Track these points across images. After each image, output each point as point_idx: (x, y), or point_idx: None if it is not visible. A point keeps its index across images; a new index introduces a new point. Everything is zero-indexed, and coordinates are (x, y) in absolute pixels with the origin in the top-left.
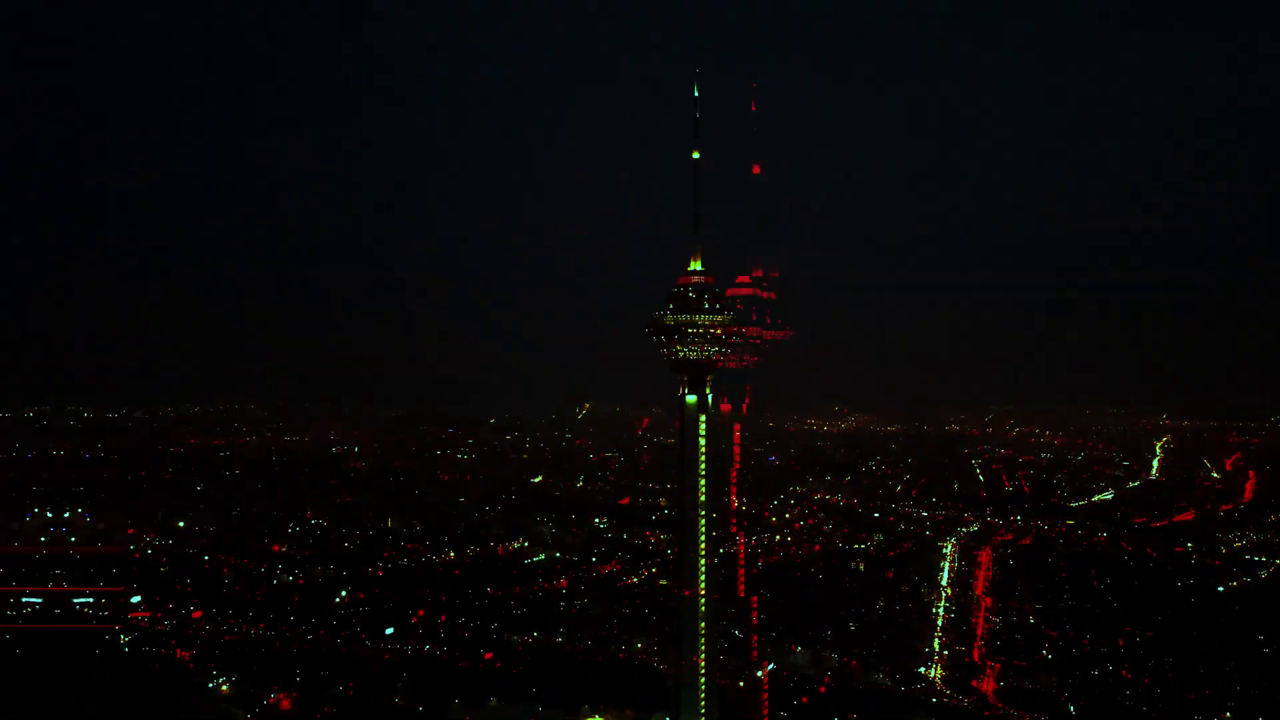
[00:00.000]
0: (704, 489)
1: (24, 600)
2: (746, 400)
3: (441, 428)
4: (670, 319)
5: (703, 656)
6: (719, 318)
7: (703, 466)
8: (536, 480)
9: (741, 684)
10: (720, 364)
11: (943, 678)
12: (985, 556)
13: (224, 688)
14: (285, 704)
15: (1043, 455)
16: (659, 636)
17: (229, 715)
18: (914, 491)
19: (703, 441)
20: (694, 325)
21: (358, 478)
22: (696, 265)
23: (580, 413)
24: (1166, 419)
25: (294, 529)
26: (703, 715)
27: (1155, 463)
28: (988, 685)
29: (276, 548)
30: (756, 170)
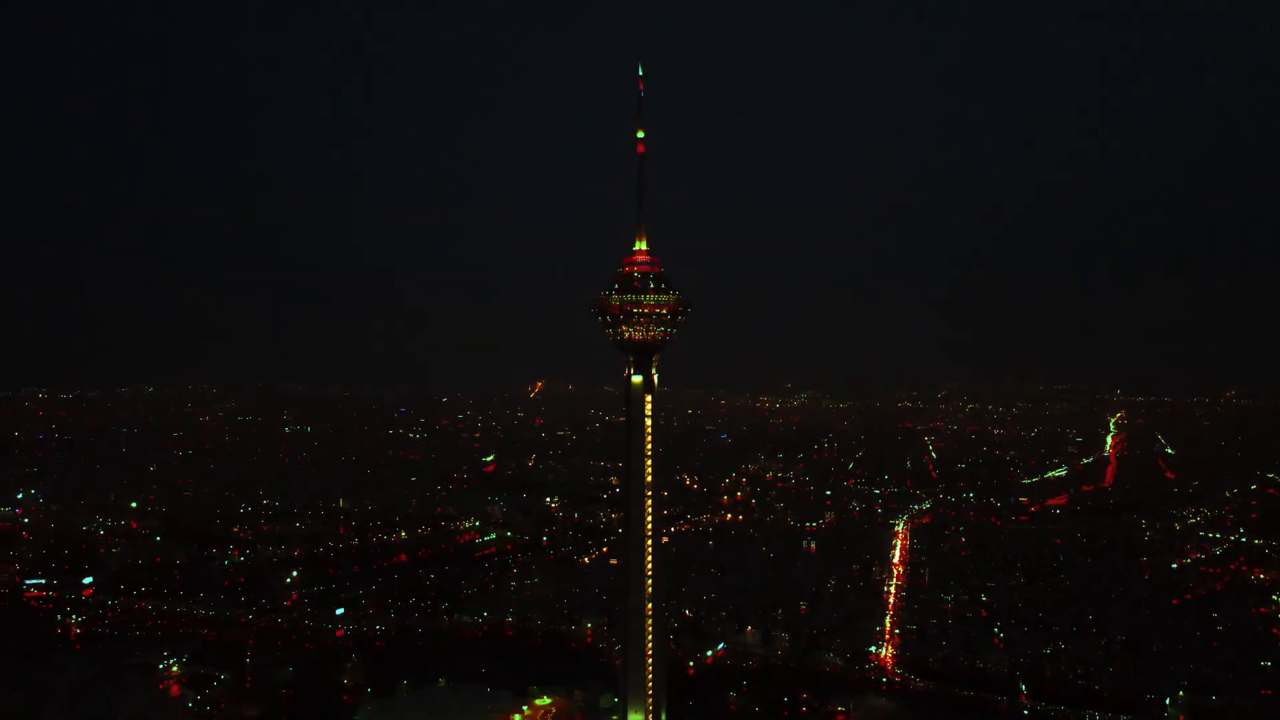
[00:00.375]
0: (650, 470)
1: None
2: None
3: (394, 407)
4: (615, 300)
5: (650, 637)
6: (664, 298)
7: (649, 447)
8: (489, 459)
9: (691, 664)
10: (666, 344)
11: (893, 657)
12: (937, 535)
13: (174, 669)
14: (239, 684)
15: (995, 432)
16: (609, 617)
17: (178, 697)
18: (865, 469)
19: (649, 422)
20: (639, 306)
21: (310, 457)
22: (641, 245)
23: (532, 391)
24: (1120, 394)
25: (246, 509)
26: (649, 696)
27: (1109, 439)
28: (937, 665)
29: (231, 528)
30: (641, 150)
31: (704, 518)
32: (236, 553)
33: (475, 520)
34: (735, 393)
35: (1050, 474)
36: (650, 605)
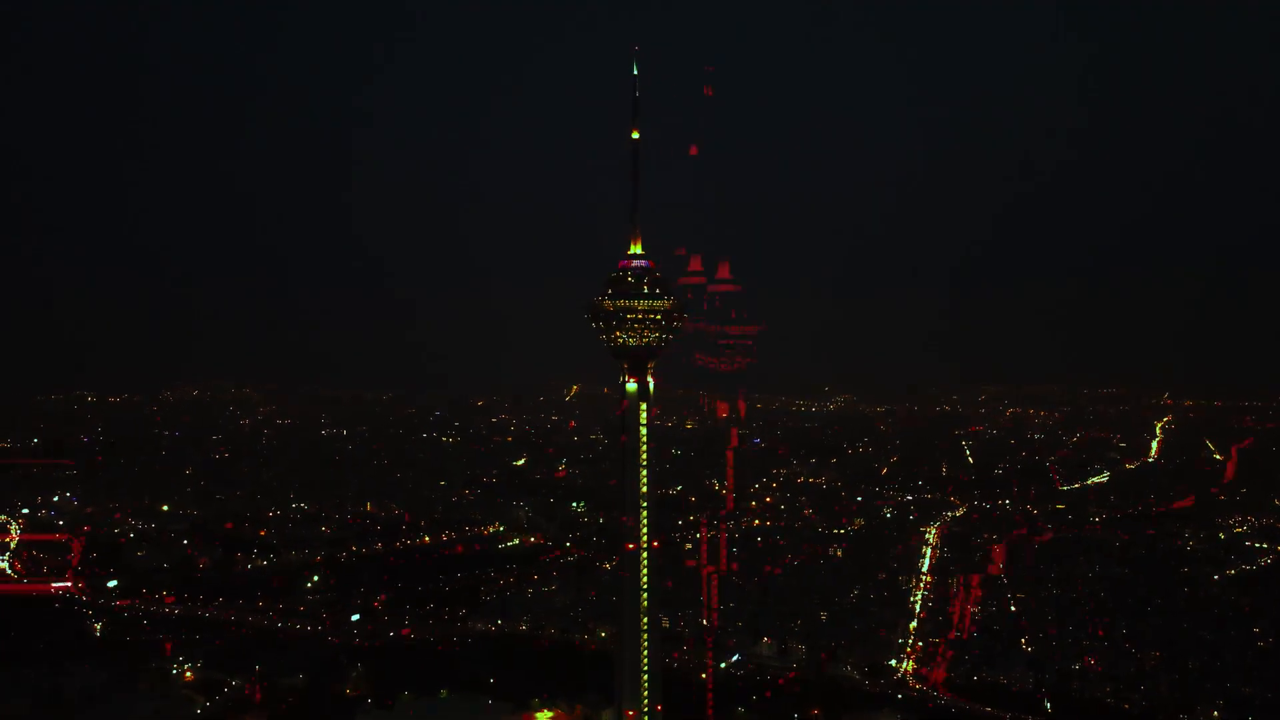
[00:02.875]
0: (645, 479)
1: None
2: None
3: (429, 411)
4: (609, 304)
5: (645, 649)
6: (660, 303)
7: (644, 456)
8: (519, 463)
9: (704, 675)
10: (662, 351)
11: (914, 671)
12: (969, 543)
13: (188, 673)
14: (246, 691)
15: (1035, 437)
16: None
17: (188, 702)
18: (899, 474)
19: (644, 430)
20: (633, 311)
21: (343, 461)
22: (636, 249)
23: (568, 395)
24: (1168, 398)
25: (275, 513)
26: (645, 709)
27: (1155, 444)
28: (960, 679)
29: (258, 532)
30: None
31: (730, 524)
32: (260, 557)
33: (500, 525)
34: (771, 395)
35: (1092, 480)
36: (645, 618)
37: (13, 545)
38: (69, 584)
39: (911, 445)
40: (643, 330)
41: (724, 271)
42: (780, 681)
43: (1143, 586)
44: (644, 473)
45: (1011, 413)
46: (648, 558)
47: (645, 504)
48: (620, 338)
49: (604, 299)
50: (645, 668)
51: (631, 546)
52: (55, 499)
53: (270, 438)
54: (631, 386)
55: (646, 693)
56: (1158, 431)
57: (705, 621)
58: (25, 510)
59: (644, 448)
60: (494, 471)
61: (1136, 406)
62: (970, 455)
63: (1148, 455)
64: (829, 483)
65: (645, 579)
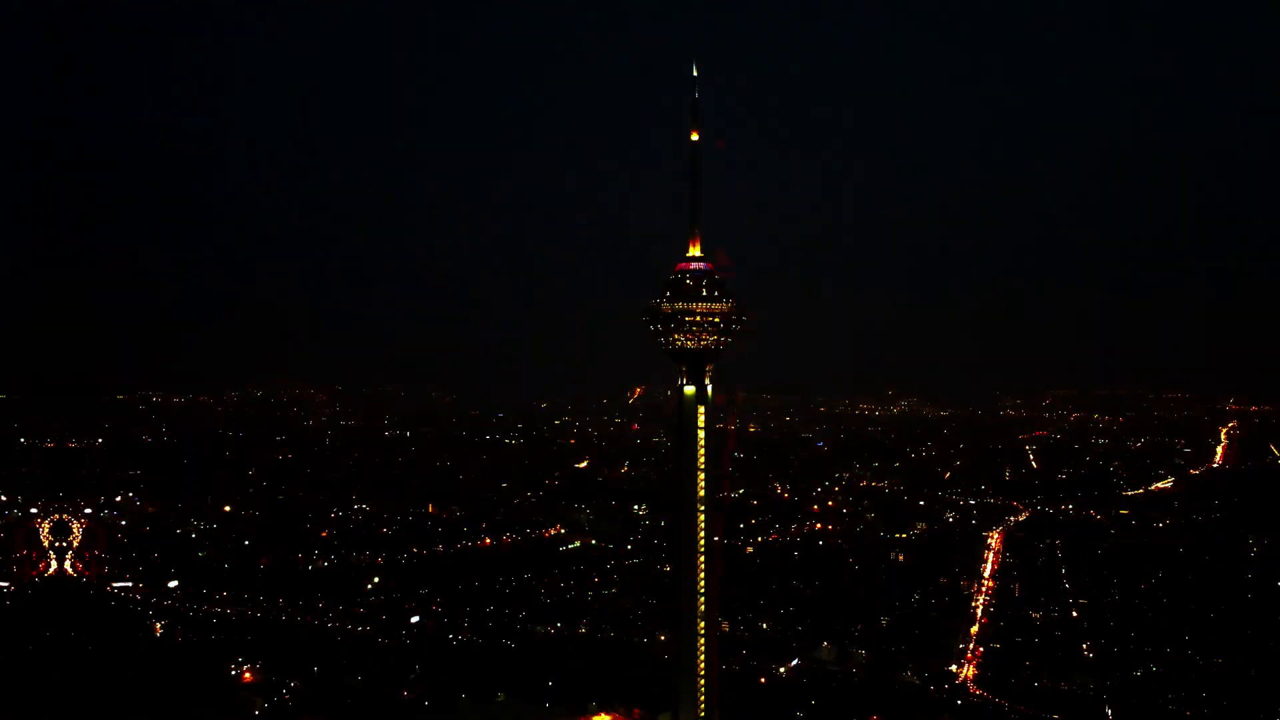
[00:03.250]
0: (704, 484)
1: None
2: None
3: (492, 413)
4: (667, 307)
5: (702, 654)
6: (719, 305)
7: (702, 461)
8: (581, 465)
9: (763, 680)
10: (720, 353)
11: (974, 677)
12: (1031, 548)
13: (246, 675)
14: (305, 692)
15: (1099, 441)
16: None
17: (247, 703)
18: (962, 479)
19: (701, 434)
20: (691, 314)
21: (405, 463)
22: (695, 251)
23: (632, 398)
24: (1234, 403)
25: (338, 514)
26: (701, 714)
27: (1219, 449)
28: (1021, 686)
29: (320, 533)
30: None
31: (793, 528)
32: (321, 558)
33: (561, 527)
34: (835, 398)
35: (1156, 485)
36: (703, 622)
37: (75, 544)
38: (128, 583)
39: (975, 449)
40: (701, 333)
41: (694, 248)
42: (836, 685)
43: (1206, 593)
44: (702, 477)
45: (1076, 417)
46: (706, 561)
47: (703, 508)
48: (679, 341)
49: (662, 302)
50: (702, 672)
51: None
52: (118, 499)
53: (334, 439)
54: (689, 390)
55: (704, 697)
56: (1222, 437)
57: (765, 626)
58: (88, 510)
59: (702, 452)
60: (556, 474)
61: (1201, 411)
62: (1034, 460)
63: (1212, 460)
64: (891, 487)
65: (703, 583)
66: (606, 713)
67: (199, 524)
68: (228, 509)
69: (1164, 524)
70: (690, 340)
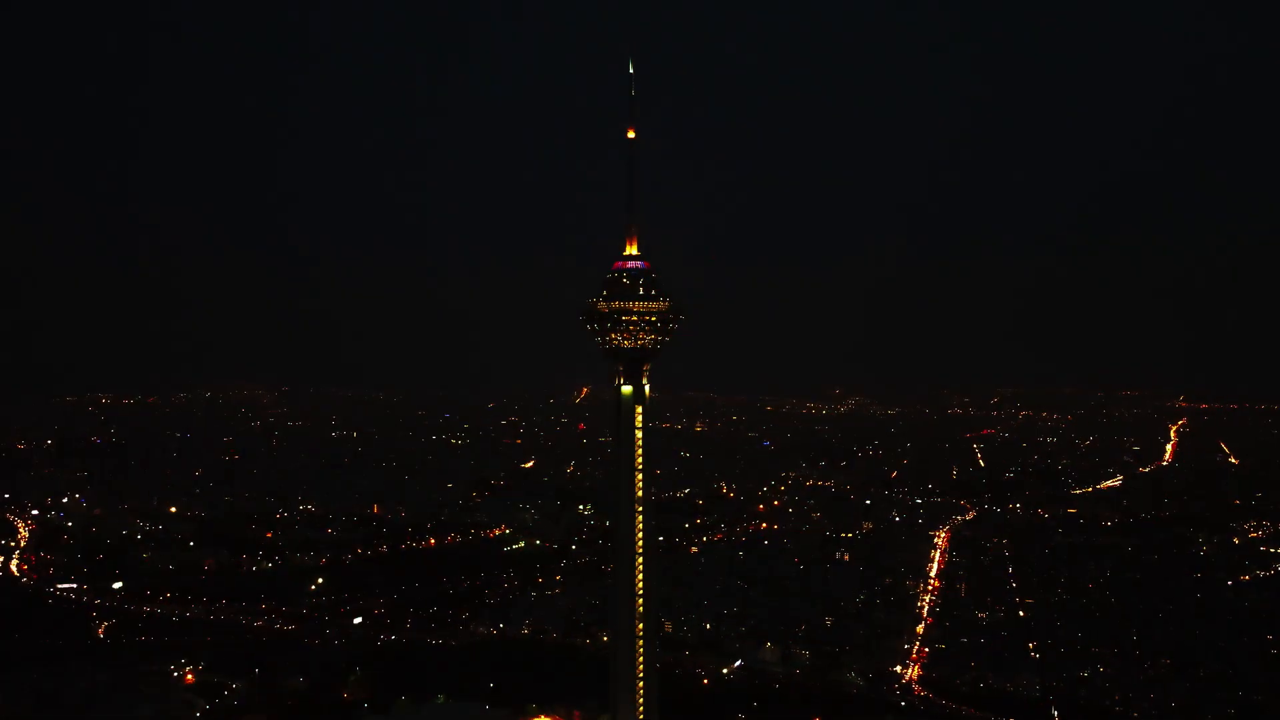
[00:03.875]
0: (641, 484)
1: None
2: None
3: (439, 412)
4: (604, 306)
5: (640, 655)
6: (656, 304)
7: (640, 461)
8: (527, 465)
9: (706, 681)
10: (658, 353)
11: (919, 677)
12: (977, 547)
13: (189, 676)
14: (246, 694)
15: (1048, 440)
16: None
17: (188, 705)
18: (909, 478)
19: (639, 434)
20: (628, 313)
21: (351, 463)
22: (632, 249)
23: (579, 397)
24: (1184, 401)
25: (282, 514)
26: (640, 716)
27: (1169, 447)
28: (966, 686)
29: (265, 534)
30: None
31: (738, 528)
32: (265, 559)
33: (506, 528)
34: (781, 398)
35: (1104, 483)
36: (641, 625)
37: (21, 545)
38: (73, 584)
39: (922, 448)
40: (638, 332)
41: (631, 247)
42: (779, 686)
43: (1154, 592)
44: (640, 477)
45: (1024, 415)
46: (644, 563)
47: (641, 509)
48: (615, 340)
49: (598, 301)
50: (641, 674)
51: (626, 552)
52: (65, 500)
53: (280, 439)
54: (627, 390)
55: (642, 699)
56: (1172, 435)
57: (708, 626)
58: (35, 511)
59: (640, 452)
60: (502, 473)
61: (1151, 409)
62: (981, 458)
63: (1162, 458)
64: (838, 486)
65: (641, 584)
66: (546, 714)
67: (144, 525)
68: (173, 510)
69: (1111, 523)
70: (627, 340)
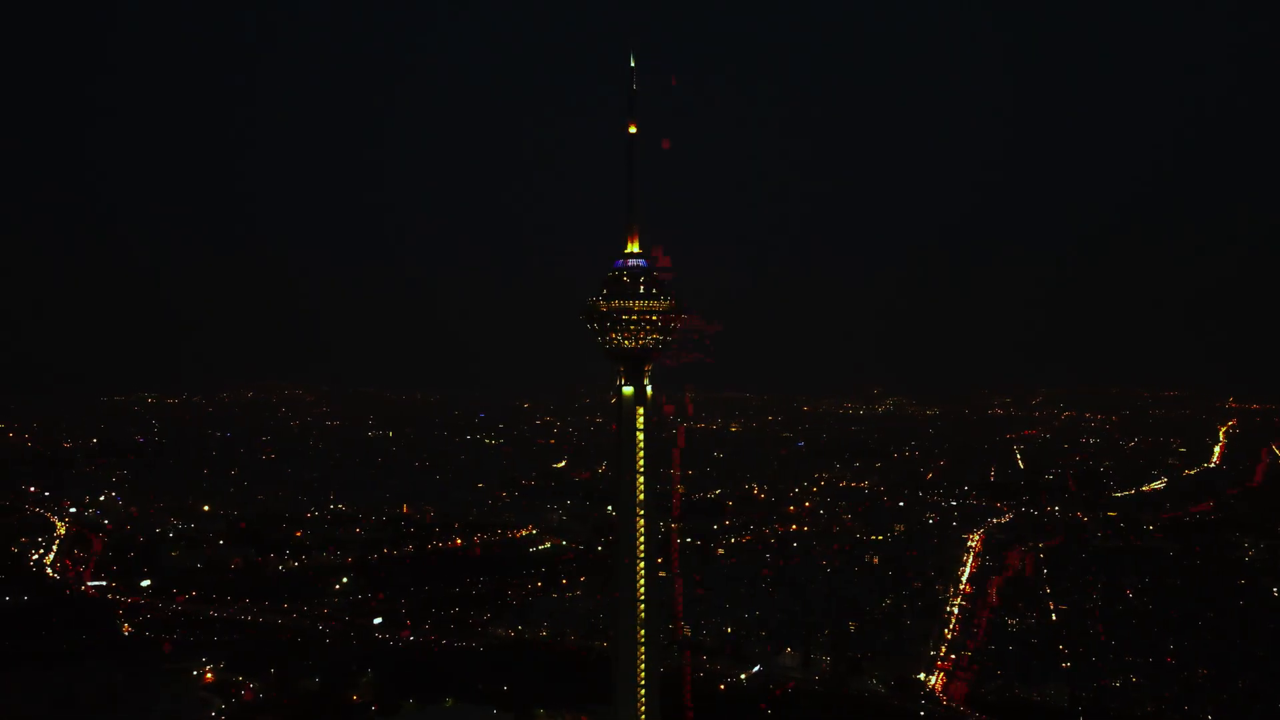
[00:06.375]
0: (643, 486)
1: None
2: None
3: (474, 412)
4: (604, 305)
5: (642, 660)
6: (657, 303)
7: (642, 462)
8: (559, 465)
9: (722, 686)
10: (659, 353)
11: (943, 685)
12: (1012, 551)
13: (209, 674)
14: (250, 695)
15: (1091, 441)
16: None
17: (205, 703)
18: (945, 479)
19: (641, 435)
20: (629, 312)
21: (384, 463)
22: (634, 247)
23: (614, 397)
24: (1233, 401)
25: (313, 513)
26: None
27: (1217, 449)
28: (992, 696)
29: (294, 533)
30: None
31: (766, 529)
32: (292, 558)
33: (533, 528)
34: (819, 398)
35: (1147, 486)
36: (643, 630)
37: (57, 543)
38: (102, 582)
39: (960, 449)
40: (639, 332)
41: (632, 244)
42: (794, 692)
43: (1194, 599)
44: (641, 480)
45: (1067, 416)
46: (645, 568)
47: (643, 512)
48: (616, 340)
49: (599, 300)
50: (643, 680)
51: (627, 557)
52: (102, 499)
53: (317, 439)
54: (628, 390)
55: (644, 705)
56: (1220, 436)
57: (729, 630)
58: (72, 509)
59: (641, 454)
60: (532, 474)
61: (1199, 410)
62: (1021, 460)
63: (1209, 461)
64: (871, 488)
65: (643, 589)
66: (553, 718)
67: (177, 523)
68: (206, 509)
69: (1152, 526)
70: (628, 339)
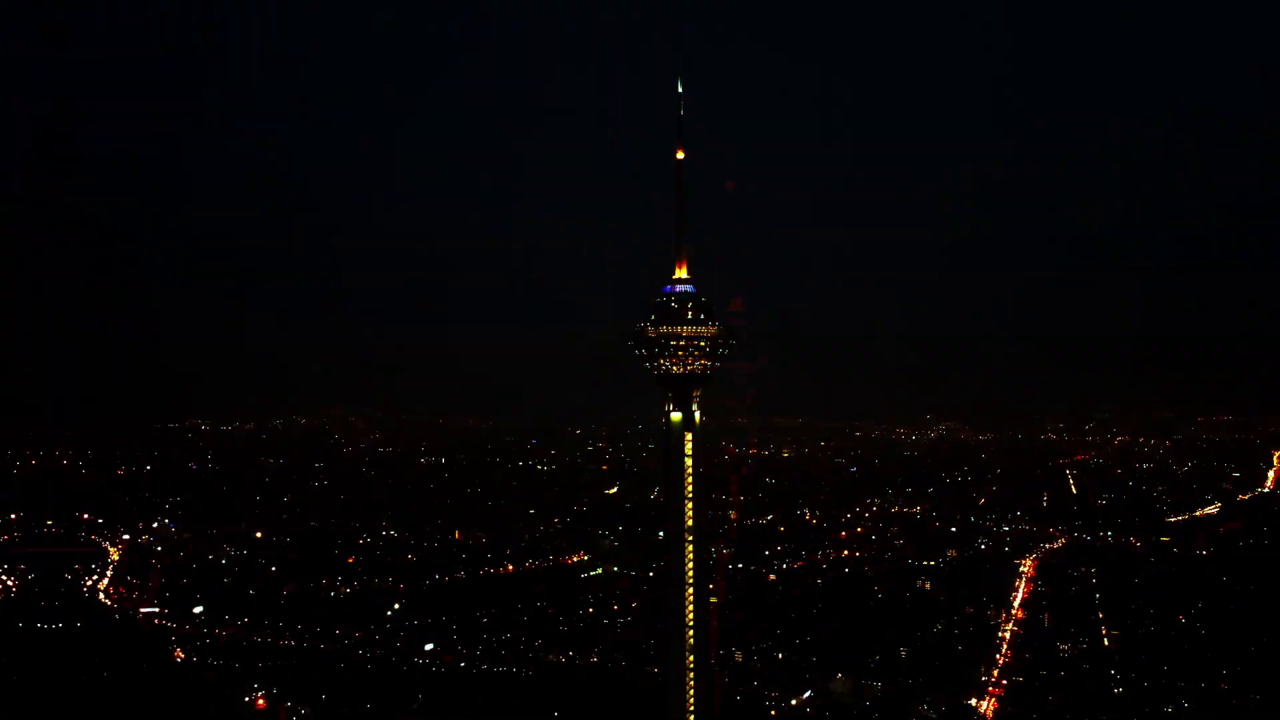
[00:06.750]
0: (692, 513)
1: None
2: None
3: (527, 438)
4: (652, 331)
5: (691, 690)
6: (705, 329)
7: (690, 489)
8: (611, 491)
9: (774, 713)
10: (708, 378)
11: (994, 712)
12: (1065, 576)
13: (260, 702)
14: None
15: (1144, 465)
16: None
17: None
18: (998, 504)
19: (689, 462)
20: (677, 338)
21: (437, 489)
22: (681, 273)
23: (663, 424)
24: None
25: (365, 540)
26: None
27: (1272, 474)
28: None
29: (346, 559)
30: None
31: (818, 555)
32: (344, 584)
33: (585, 554)
34: (871, 424)
35: (1201, 511)
36: (692, 657)
37: (110, 570)
38: (155, 609)
39: (1012, 474)
40: (687, 358)
41: (680, 270)
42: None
43: (1249, 625)
44: (690, 506)
45: (1120, 440)
46: (694, 593)
47: (691, 539)
48: (664, 365)
49: (646, 326)
50: (692, 706)
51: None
52: (155, 525)
53: (370, 465)
54: (676, 417)
55: None
56: (1275, 461)
57: (780, 655)
58: (126, 536)
59: (690, 480)
60: (585, 499)
61: (1254, 434)
62: (1073, 484)
63: (1264, 485)
64: (923, 513)
65: (692, 614)
66: None
67: (230, 550)
68: (259, 535)
69: (1206, 551)
70: (676, 365)
